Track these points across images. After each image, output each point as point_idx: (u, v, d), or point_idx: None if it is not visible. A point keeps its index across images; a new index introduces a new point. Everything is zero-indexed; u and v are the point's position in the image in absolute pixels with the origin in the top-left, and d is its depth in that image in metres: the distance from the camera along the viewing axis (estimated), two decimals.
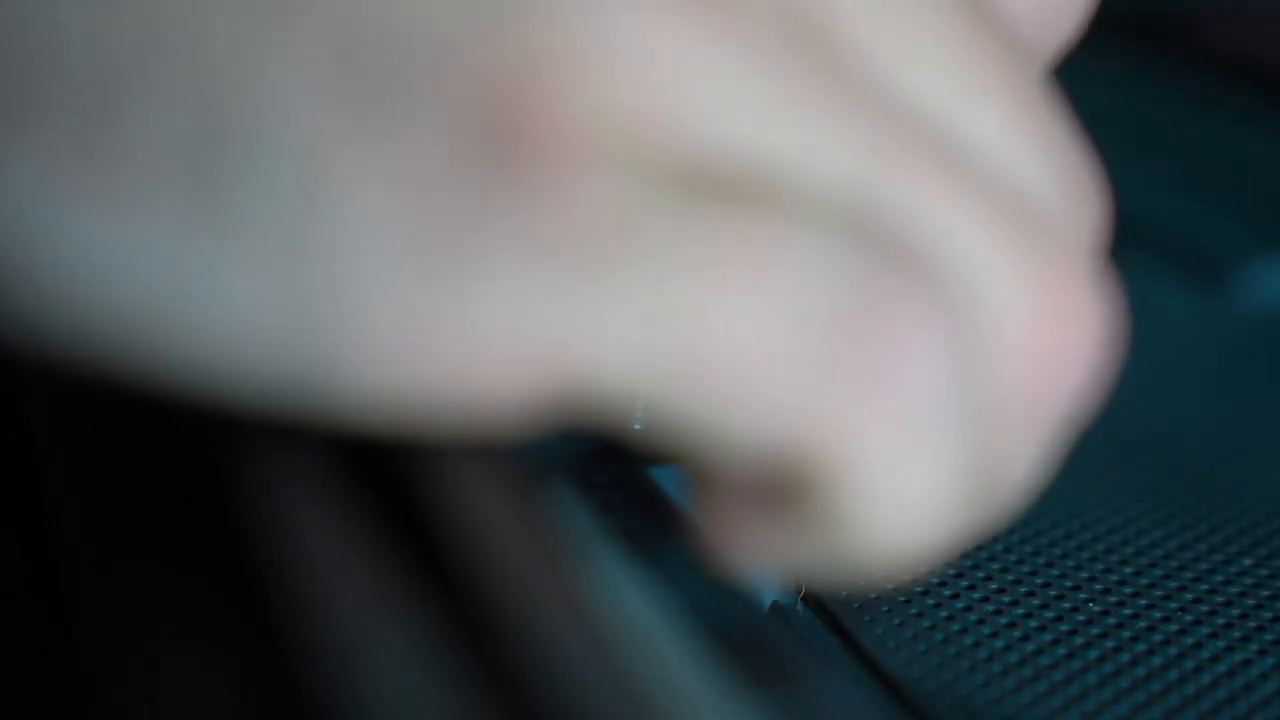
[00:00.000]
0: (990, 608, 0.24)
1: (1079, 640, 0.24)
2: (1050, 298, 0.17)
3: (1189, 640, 0.24)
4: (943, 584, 0.25)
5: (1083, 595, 0.25)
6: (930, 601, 0.24)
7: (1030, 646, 0.23)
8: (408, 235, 0.15)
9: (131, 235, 0.15)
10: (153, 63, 0.15)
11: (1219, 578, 0.26)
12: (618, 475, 0.22)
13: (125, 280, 0.15)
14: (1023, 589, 0.25)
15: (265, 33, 0.16)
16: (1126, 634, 0.24)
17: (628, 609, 0.18)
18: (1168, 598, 0.25)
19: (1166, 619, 0.24)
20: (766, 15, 0.17)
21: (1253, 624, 0.24)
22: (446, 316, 0.15)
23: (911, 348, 0.16)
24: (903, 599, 0.24)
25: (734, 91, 0.16)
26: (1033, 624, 0.24)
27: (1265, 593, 0.25)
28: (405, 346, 0.15)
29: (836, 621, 0.24)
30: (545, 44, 0.16)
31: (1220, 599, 0.25)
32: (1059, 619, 0.24)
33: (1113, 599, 0.25)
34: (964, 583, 0.25)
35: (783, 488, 0.17)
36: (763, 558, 0.18)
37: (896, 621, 0.24)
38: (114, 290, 0.15)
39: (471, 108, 0.16)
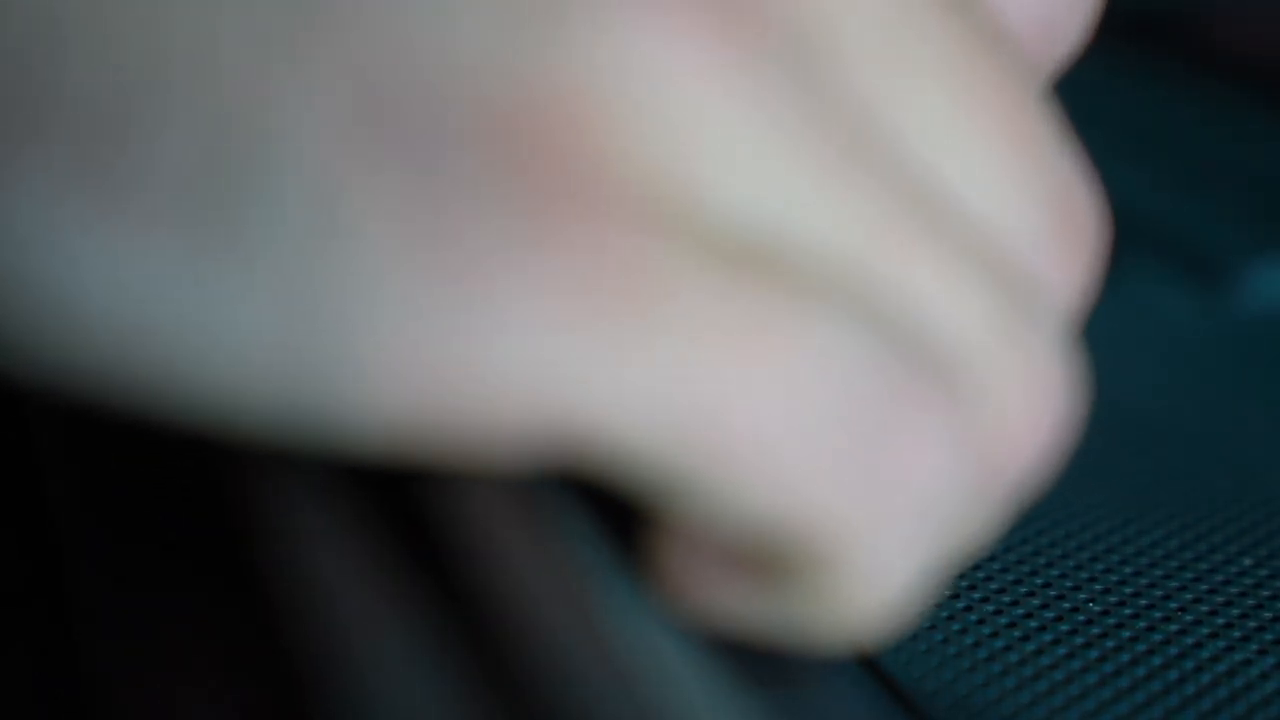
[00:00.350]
0: (990, 608, 0.24)
1: (1079, 640, 0.24)
2: (1032, 382, 0.18)
3: (1189, 640, 0.24)
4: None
5: (1083, 595, 0.25)
6: (930, 601, 0.24)
7: (1030, 646, 0.23)
8: (423, 271, 0.15)
9: (136, 259, 0.15)
10: (160, 87, 0.15)
11: (1219, 578, 0.26)
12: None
13: (129, 305, 0.15)
14: (1023, 589, 0.25)
15: (279, 59, 0.15)
16: (1126, 634, 0.24)
17: (625, 608, 0.18)
18: (1168, 598, 0.25)
19: (1166, 619, 0.24)
20: (782, 58, 0.16)
21: (1253, 624, 0.24)
22: (459, 355, 0.15)
23: (926, 448, 0.16)
24: None
25: (752, 158, 0.16)
26: (1033, 624, 0.24)
27: (1265, 593, 0.25)
28: (414, 382, 0.15)
29: None
30: (582, 89, 0.15)
31: (1220, 599, 0.25)
32: (1059, 619, 0.24)
33: (1113, 599, 0.25)
34: (964, 583, 0.25)
35: (761, 556, 0.17)
36: (721, 614, 0.18)
37: None
38: (117, 316, 0.15)
39: (497, 146, 0.15)
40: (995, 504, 0.18)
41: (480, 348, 0.15)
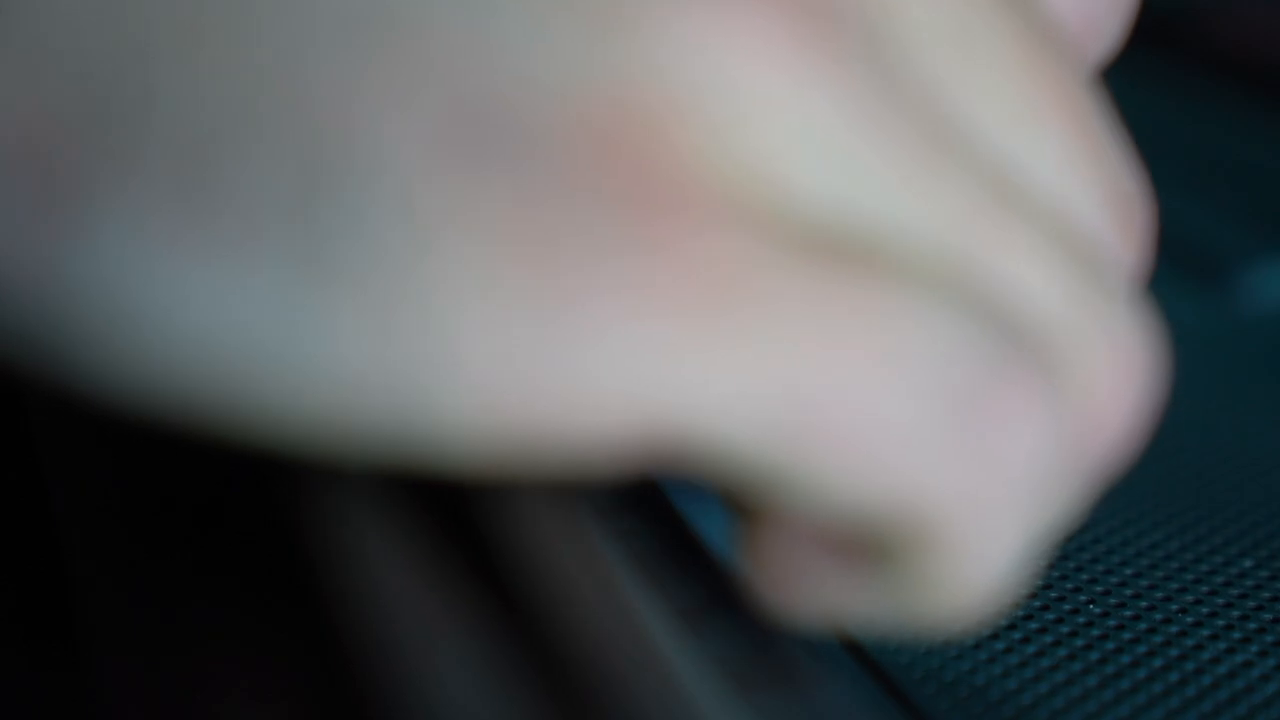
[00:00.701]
0: None
1: (1079, 641, 0.24)
2: (1117, 352, 0.18)
3: (1190, 641, 0.24)
4: None
5: (1083, 596, 0.25)
6: None
7: (1031, 648, 0.23)
8: (517, 285, 0.15)
9: (231, 286, 0.15)
10: (250, 114, 0.15)
11: (1219, 578, 0.26)
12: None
13: (223, 331, 0.15)
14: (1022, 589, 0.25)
15: (367, 77, 0.15)
16: (1127, 635, 0.24)
17: (627, 608, 0.18)
18: (1168, 599, 0.25)
19: (1167, 620, 0.24)
20: (854, 46, 0.17)
21: (1254, 625, 0.24)
22: (555, 368, 0.15)
23: (1025, 428, 0.17)
24: None
25: (834, 148, 0.16)
26: (1033, 625, 0.24)
27: (1266, 594, 0.25)
28: (510, 396, 0.15)
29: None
30: (661, 94, 0.16)
31: (1221, 600, 0.25)
32: (1059, 620, 0.24)
33: (1113, 599, 0.25)
34: None
35: (862, 542, 0.17)
36: (817, 605, 0.18)
37: None
38: (211, 342, 0.15)
39: (585, 156, 0.15)
40: (1087, 477, 0.18)
41: (579, 356, 0.15)
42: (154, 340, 0.15)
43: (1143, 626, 0.24)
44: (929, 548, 0.17)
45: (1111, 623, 0.24)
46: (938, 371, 0.16)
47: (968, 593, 0.17)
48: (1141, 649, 0.24)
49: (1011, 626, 0.24)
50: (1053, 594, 0.25)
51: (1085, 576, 0.25)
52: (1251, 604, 0.25)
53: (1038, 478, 0.17)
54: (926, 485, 0.16)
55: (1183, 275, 0.38)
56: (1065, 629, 0.24)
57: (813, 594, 0.18)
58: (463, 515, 0.17)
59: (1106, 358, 0.18)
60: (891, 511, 0.16)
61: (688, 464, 0.16)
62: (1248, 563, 0.26)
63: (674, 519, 0.22)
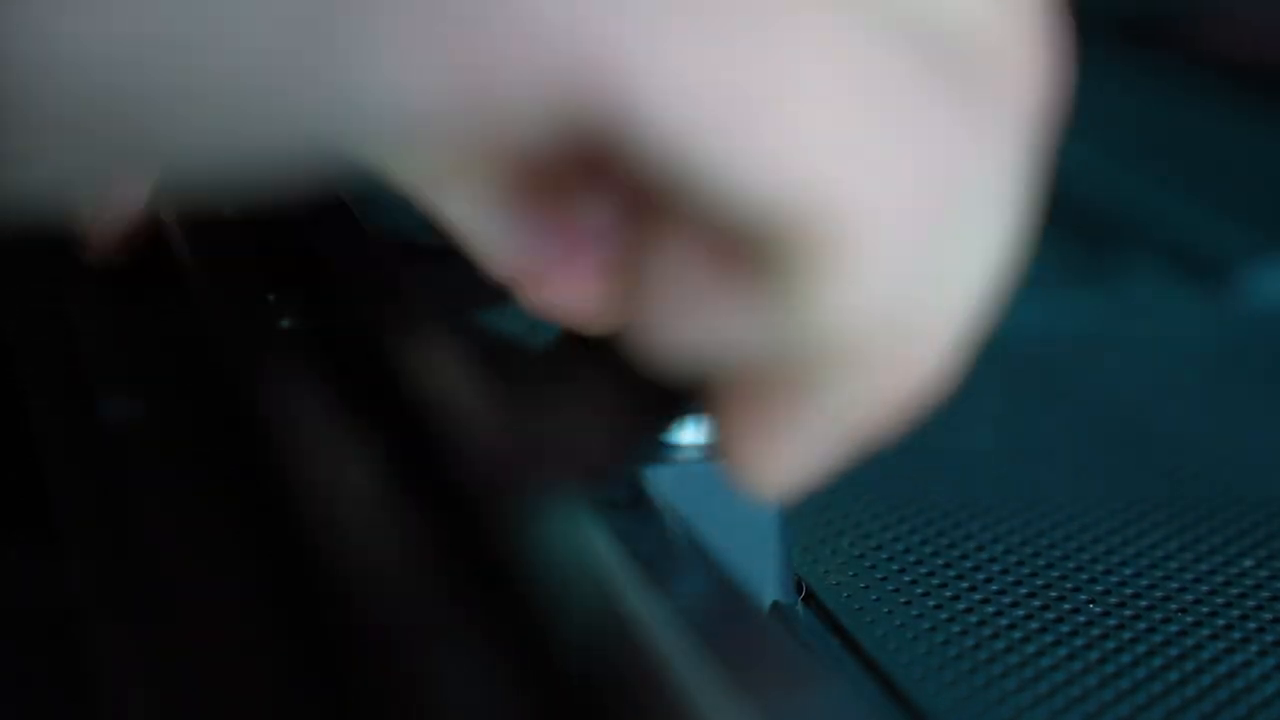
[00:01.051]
0: (990, 608, 0.24)
1: (1079, 641, 0.24)
2: (1029, 48, 0.17)
3: (1190, 641, 0.24)
4: (943, 584, 0.25)
5: (1083, 596, 0.25)
6: (930, 602, 0.24)
7: (1031, 648, 0.23)
8: None
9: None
10: None
11: (1219, 578, 0.26)
12: (614, 478, 0.22)
13: (124, 43, 0.14)
14: (1023, 589, 0.25)
15: None
16: (1127, 634, 0.24)
17: (626, 610, 0.18)
18: (1168, 598, 0.25)
19: (1167, 620, 0.24)
20: None
21: (1253, 625, 0.24)
22: (490, 12, 0.14)
23: (941, 130, 0.16)
24: (903, 599, 0.24)
25: None
26: (1033, 624, 0.24)
27: (1266, 594, 0.25)
28: (428, 48, 0.14)
29: (836, 622, 0.24)
30: None
31: (1221, 600, 0.25)
32: (1059, 619, 0.24)
33: (1113, 599, 0.25)
34: (964, 583, 0.25)
35: (759, 249, 0.17)
36: (686, 323, 0.17)
37: (897, 622, 0.24)
38: (120, 61, 0.14)
39: None
40: (1014, 178, 0.18)
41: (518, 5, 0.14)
42: (48, 83, 0.14)
43: (1143, 626, 0.24)
44: (820, 258, 0.16)
45: (1112, 622, 0.24)
46: (869, 76, 0.16)
47: (846, 314, 0.17)
48: (1142, 649, 0.24)
49: (1012, 626, 0.24)
50: (1053, 594, 0.25)
51: (1085, 576, 0.25)
52: (1251, 604, 0.25)
53: (941, 191, 0.17)
54: (840, 183, 0.16)
55: (1183, 275, 0.38)
56: (1065, 629, 0.24)
57: (685, 311, 0.17)
58: (463, 517, 0.17)
59: (1020, 55, 0.17)
60: (797, 208, 0.16)
61: (608, 141, 0.16)
62: (1247, 563, 0.26)
63: (674, 520, 0.22)
